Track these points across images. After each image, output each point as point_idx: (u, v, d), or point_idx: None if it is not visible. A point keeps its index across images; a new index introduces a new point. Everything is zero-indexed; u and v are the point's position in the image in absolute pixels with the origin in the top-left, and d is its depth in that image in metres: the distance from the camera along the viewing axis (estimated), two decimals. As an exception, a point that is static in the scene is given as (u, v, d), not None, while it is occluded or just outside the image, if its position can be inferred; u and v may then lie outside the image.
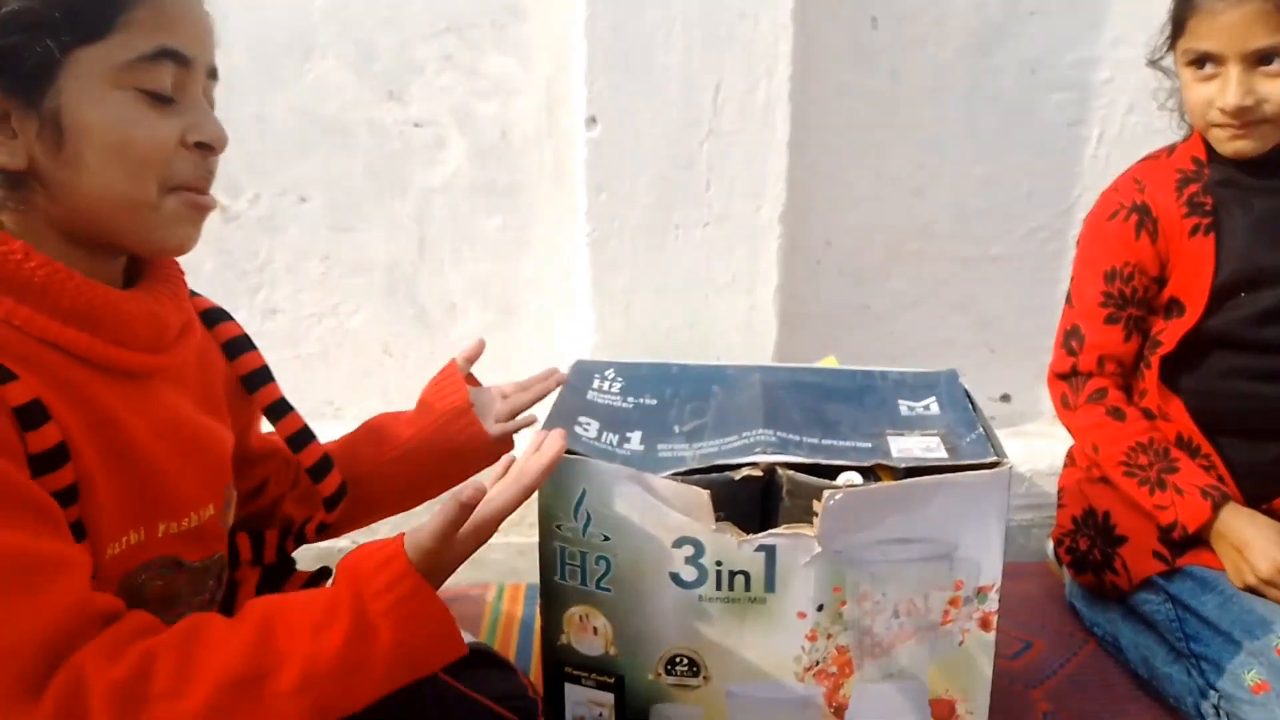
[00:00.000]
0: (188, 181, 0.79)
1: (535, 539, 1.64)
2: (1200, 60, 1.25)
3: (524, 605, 1.59)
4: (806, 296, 1.80)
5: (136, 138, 0.75)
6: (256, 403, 0.99)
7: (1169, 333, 1.32)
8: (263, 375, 0.99)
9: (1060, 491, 1.52)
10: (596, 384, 1.20)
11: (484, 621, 1.55)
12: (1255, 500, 1.29)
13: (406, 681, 0.77)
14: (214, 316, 0.97)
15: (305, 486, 1.04)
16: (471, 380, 1.20)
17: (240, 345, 0.97)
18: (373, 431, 1.11)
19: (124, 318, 0.78)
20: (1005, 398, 1.93)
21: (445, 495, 0.85)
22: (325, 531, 1.06)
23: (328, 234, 1.69)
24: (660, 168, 1.59)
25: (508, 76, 1.65)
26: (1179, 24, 1.29)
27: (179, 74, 0.76)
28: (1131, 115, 1.76)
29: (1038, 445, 1.80)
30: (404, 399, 1.79)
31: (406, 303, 1.75)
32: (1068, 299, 1.43)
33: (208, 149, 0.80)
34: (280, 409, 1.00)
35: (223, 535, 0.92)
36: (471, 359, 1.18)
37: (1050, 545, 1.66)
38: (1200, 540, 1.28)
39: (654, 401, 1.16)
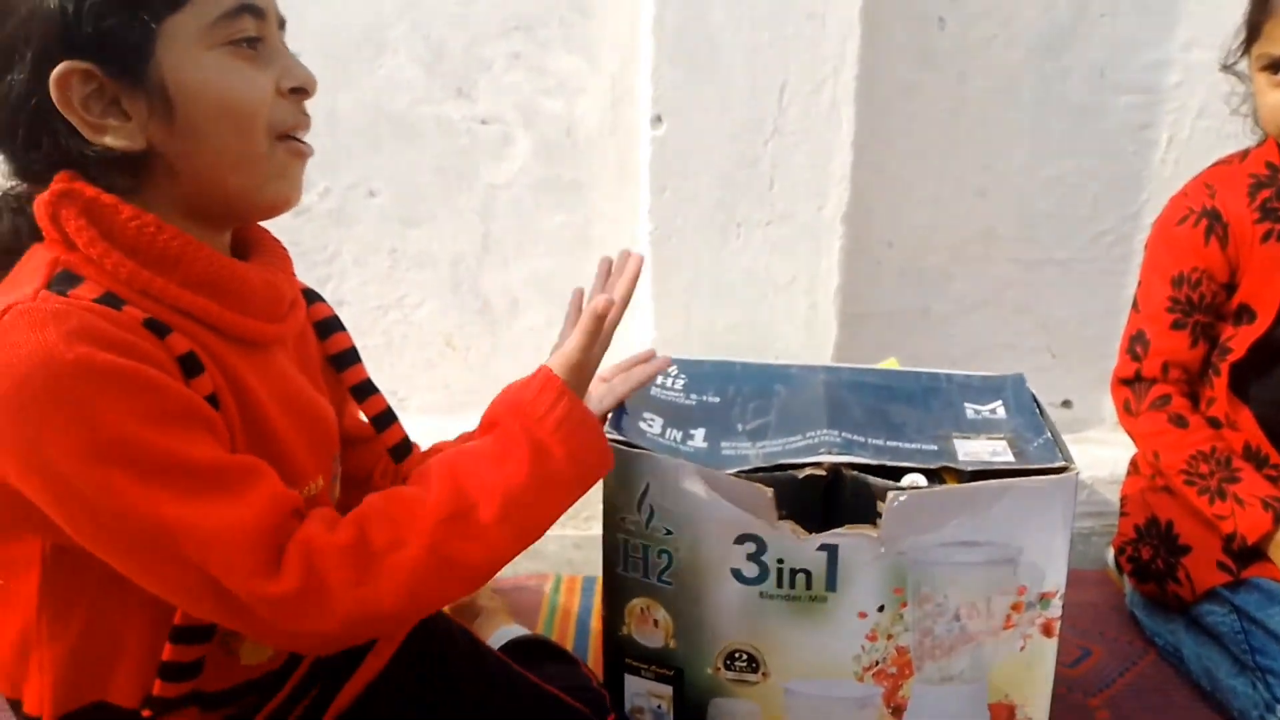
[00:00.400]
0: (289, 128, 0.82)
1: (592, 531, 1.66)
2: (1275, 65, 1.24)
3: (580, 597, 1.61)
4: (866, 297, 1.79)
5: (239, 91, 0.77)
6: (344, 382, 1.01)
7: (1238, 339, 1.30)
8: (351, 356, 1.01)
9: (1123, 499, 1.50)
10: (660, 380, 1.21)
11: (541, 613, 1.57)
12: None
13: (582, 493, 0.86)
14: (309, 296, 1.00)
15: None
16: None
17: (331, 325, 1.00)
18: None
19: (247, 287, 0.82)
20: (1066, 403, 1.91)
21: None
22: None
23: (395, 228, 1.73)
24: (724, 166, 1.59)
25: (574, 74, 1.67)
26: (1254, 28, 1.27)
27: (258, 26, 0.78)
28: (1202, 119, 1.73)
29: (1099, 452, 1.78)
30: (466, 392, 1.84)
31: (470, 296, 1.78)
32: (1134, 304, 1.41)
33: (301, 92, 0.82)
34: (366, 389, 1.02)
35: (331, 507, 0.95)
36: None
37: (1110, 553, 1.64)
38: (1254, 552, 1.26)
39: (717, 399, 1.17)
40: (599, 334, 0.90)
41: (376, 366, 1.78)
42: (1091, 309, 1.84)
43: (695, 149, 1.59)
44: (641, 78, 1.59)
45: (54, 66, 0.71)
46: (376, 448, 1.06)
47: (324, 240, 1.72)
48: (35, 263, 0.75)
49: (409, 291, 1.77)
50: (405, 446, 1.03)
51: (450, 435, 1.74)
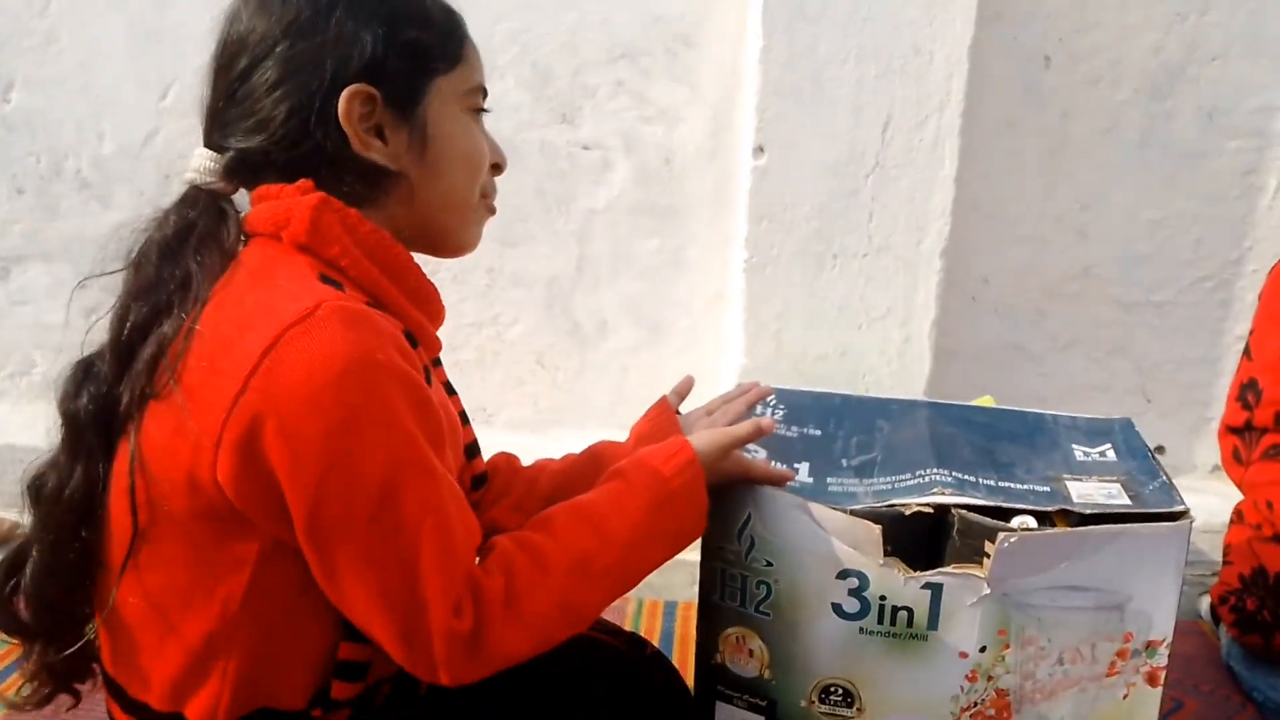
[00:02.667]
0: (487, 192, 0.93)
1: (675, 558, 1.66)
2: None
3: (662, 620, 1.62)
4: (960, 333, 1.78)
5: (477, 149, 0.90)
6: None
7: (1357, 393, 1.28)
8: (450, 387, 1.03)
9: (1227, 549, 1.47)
10: (760, 410, 1.21)
11: (623, 633, 1.58)
12: None
13: (675, 554, 0.91)
14: None
15: (517, 497, 1.10)
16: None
17: (449, 388, 1.03)
18: (595, 455, 1.15)
19: (438, 305, 0.91)
20: (1159, 449, 1.87)
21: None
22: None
23: (494, 247, 1.76)
24: (823, 197, 1.60)
25: (676, 103, 1.69)
26: None
27: (484, 102, 0.92)
28: (1314, 166, 1.70)
29: (1194, 500, 1.71)
30: (553, 410, 1.86)
31: (562, 317, 1.81)
32: (1246, 351, 1.39)
33: (498, 169, 0.94)
34: (464, 418, 1.04)
35: None
36: (682, 394, 1.20)
37: (1205, 603, 1.60)
38: None
39: (818, 432, 1.17)
40: (748, 443, 0.98)
41: (468, 382, 1.84)
42: (1189, 354, 1.81)
43: (795, 179, 1.60)
44: (744, 108, 1.61)
45: (348, 84, 0.80)
46: (512, 481, 1.11)
47: (422, 258, 1.76)
48: (290, 265, 0.79)
49: (503, 310, 1.81)
50: (483, 479, 1.07)
51: (535, 450, 1.79)
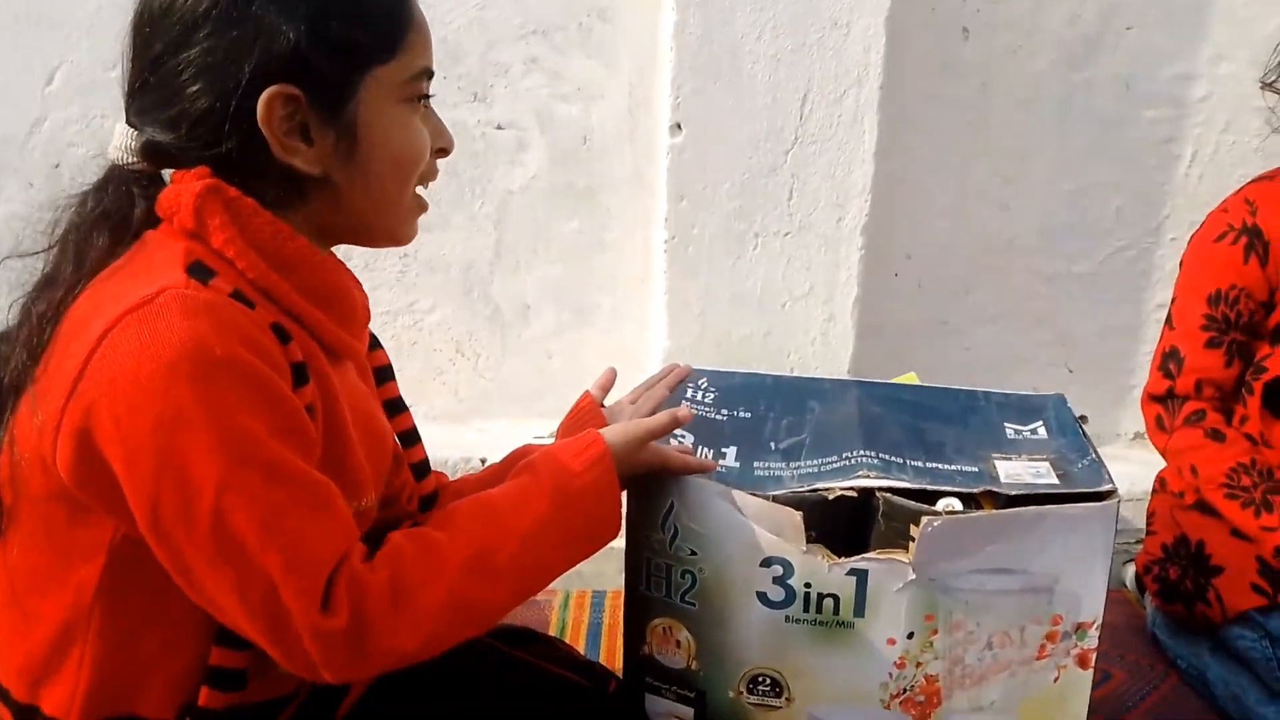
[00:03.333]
0: (425, 181, 0.88)
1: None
2: None
3: (590, 612, 1.58)
4: (883, 309, 1.77)
5: (414, 146, 0.84)
6: (379, 395, 1.00)
7: (1275, 359, 1.28)
8: (387, 372, 0.99)
9: (1150, 517, 1.47)
10: (690, 393, 1.19)
11: (550, 629, 1.55)
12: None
13: (588, 555, 0.88)
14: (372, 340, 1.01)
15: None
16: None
17: (373, 340, 0.99)
18: (518, 458, 1.12)
19: (350, 301, 0.86)
20: (1083, 419, 1.87)
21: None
22: None
23: (407, 232, 1.70)
24: (743, 175, 1.57)
25: (592, 80, 1.64)
26: None
27: (428, 87, 0.86)
28: (1228, 134, 1.71)
29: (1116, 469, 1.71)
30: (475, 398, 1.81)
31: (481, 302, 1.75)
32: (1168, 320, 1.38)
33: (444, 153, 0.89)
34: (398, 406, 1.00)
35: (369, 526, 0.93)
36: (605, 388, 1.17)
37: (1129, 572, 1.62)
38: None
39: (748, 415, 1.15)
40: (663, 435, 0.96)
41: (386, 373, 1.77)
42: (1110, 324, 1.82)
43: (714, 157, 1.56)
44: (661, 85, 1.57)
45: (269, 83, 0.75)
46: (405, 473, 1.05)
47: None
48: (167, 249, 0.76)
49: (419, 297, 1.75)
50: (425, 466, 1.01)
51: (458, 442, 1.74)
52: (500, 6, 1.60)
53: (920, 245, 1.77)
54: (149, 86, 0.78)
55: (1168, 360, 1.36)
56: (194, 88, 0.76)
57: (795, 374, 1.68)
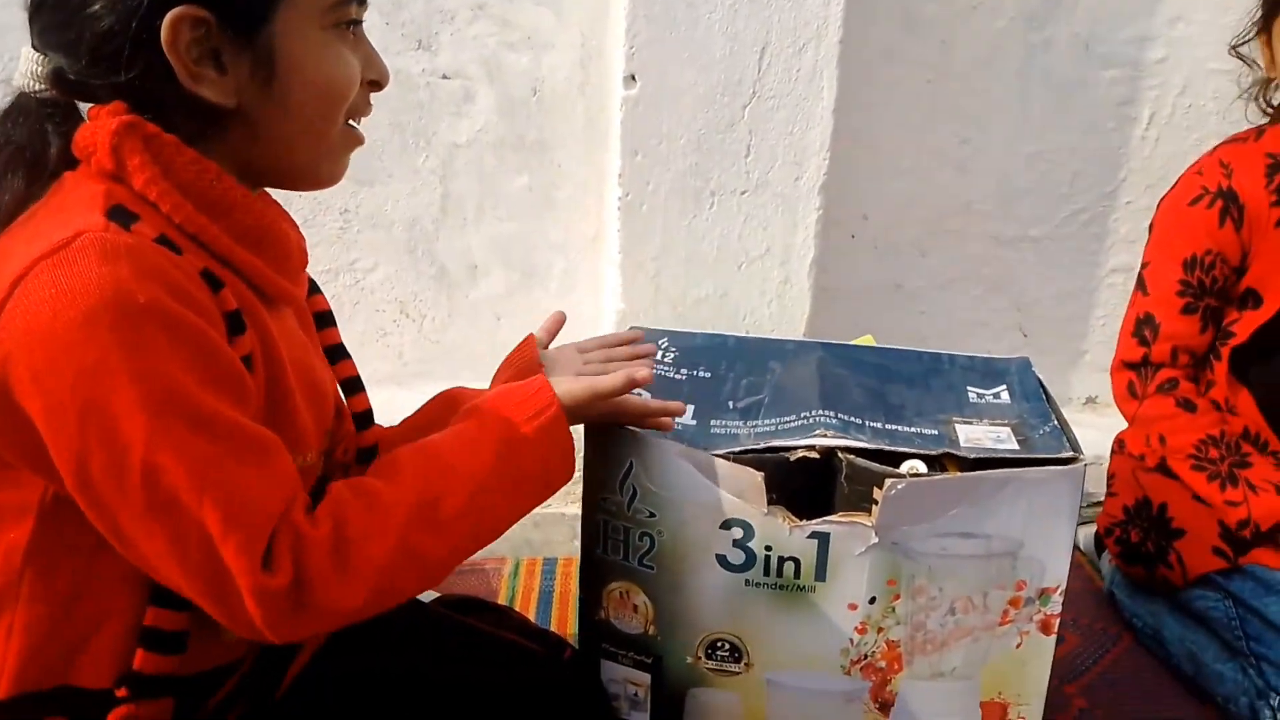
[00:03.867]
0: (358, 114, 0.83)
1: (552, 509, 1.59)
2: None
3: (540, 579, 1.54)
4: (839, 271, 1.74)
5: (340, 75, 0.78)
6: (320, 342, 0.95)
7: (1243, 324, 1.27)
8: (328, 317, 0.95)
9: (1110, 479, 1.46)
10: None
11: (500, 598, 1.51)
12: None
13: (543, 499, 0.84)
14: (310, 285, 0.96)
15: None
16: None
17: (326, 318, 0.94)
18: (447, 399, 1.08)
19: (286, 245, 0.80)
20: (1037, 383, 1.88)
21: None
22: None
23: (348, 187, 1.62)
24: (699, 131, 1.52)
25: (542, 29, 1.58)
26: (1274, 3, 1.23)
27: (359, 11, 0.80)
28: (1184, 97, 1.70)
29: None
30: (420, 361, 1.75)
31: (426, 261, 1.69)
32: (1139, 285, 1.36)
33: (377, 85, 0.83)
34: (339, 352, 0.95)
35: (313, 481, 0.89)
36: (552, 331, 1.14)
37: (1082, 534, 1.61)
38: (1265, 538, 1.23)
39: (708, 375, 1.12)
40: (619, 394, 0.90)
41: (326, 334, 1.71)
42: (1065, 287, 1.82)
43: (670, 111, 1.51)
44: (614, 34, 1.51)
45: (175, 3, 0.69)
46: (347, 424, 0.99)
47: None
48: (85, 191, 0.71)
49: (361, 255, 1.68)
50: (369, 416, 0.97)
51: (402, 407, 1.68)
52: (446, -50, 1.53)
53: (877, 206, 1.74)
54: (48, 3, 0.72)
55: (1142, 326, 1.33)
56: (93, 7, 0.70)
57: (776, 336, 1.65)
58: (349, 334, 1.70)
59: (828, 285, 1.69)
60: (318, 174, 0.83)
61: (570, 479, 0.86)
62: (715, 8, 1.46)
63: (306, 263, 0.86)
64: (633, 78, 1.50)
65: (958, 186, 1.73)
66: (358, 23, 0.80)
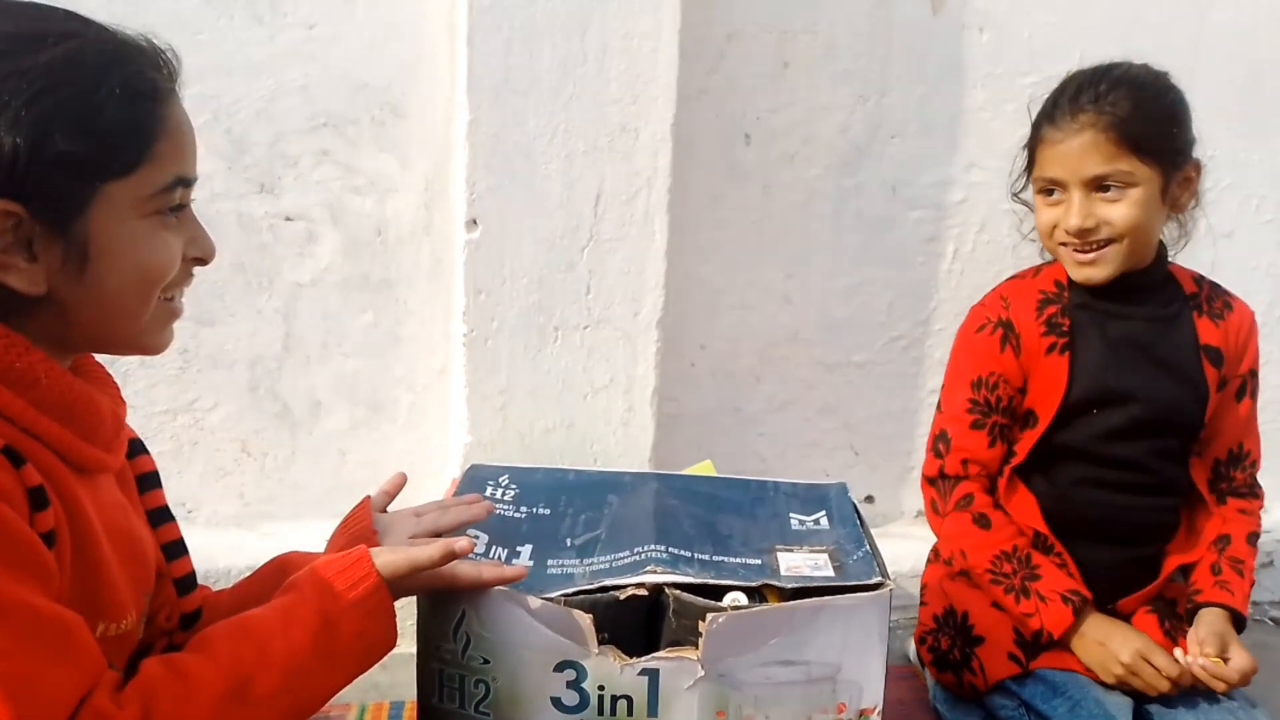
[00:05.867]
0: (174, 288, 0.83)
1: (400, 651, 1.57)
2: (1048, 188, 1.36)
3: (387, 722, 1.52)
4: (681, 399, 1.82)
5: (157, 261, 0.79)
6: (142, 505, 0.94)
7: (1022, 442, 1.40)
8: (152, 479, 0.94)
9: (923, 588, 1.55)
10: (490, 491, 1.18)
11: (345, 741, 1.47)
12: (1102, 599, 1.37)
13: (363, 671, 0.85)
14: (134, 446, 0.94)
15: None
16: None
17: (135, 446, 0.93)
18: (277, 565, 1.07)
19: (97, 415, 0.80)
20: (869, 499, 1.98)
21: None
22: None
23: (188, 326, 1.62)
24: (541, 271, 1.59)
25: (385, 174, 1.63)
26: (1031, 155, 1.39)
27: (184, 195, 0.81)
28: (983, 234, 1.87)
29: (901, 546, 1.85)
30: (262, 501, 1.73)
31: (269, 399, 1.68)
32: (939, 406, 1.48)
33: (202, 262, 0.85)
34: (163, 515, 0.94)
35: (133, 647, 0.88)
36: (391, 492, 1.14)
37: (912, 645, 1.69)
38: (1057, 643, 1.33)
39: (547, 511, 1.15)
40: (438, 566, 0.91)
41: (164, 475, 1.64)
42: (889, 408, 1.94)
43: (512, 253, 1.58)
44: (456, 181, 1.58)
45: None
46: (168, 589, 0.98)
47: (107, 339, 1.59)
48: None
49: (201, 394, 1.66)
50: (191, 580, 0.96)
51: (244, 547, 1.64)
52: (289, 98, 1.58)
53: (713, 337, 1.83)
54: None
55: (938, 442, 1.46)
56: None
57: (599, 464, 1.69)
58: (188, 475, 1.70)
59: (671, 412, 1.77)
60: (139, 346, 0.83)
61: (392, 648, 0.87)
62: (551, 159, 1.55)
63: (120, 428, 0.85)
64: (474, 222, 1.56)
65: (785, 317, 1.85)
66: (182, 207, 0.81)
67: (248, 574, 1.50)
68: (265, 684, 0.77)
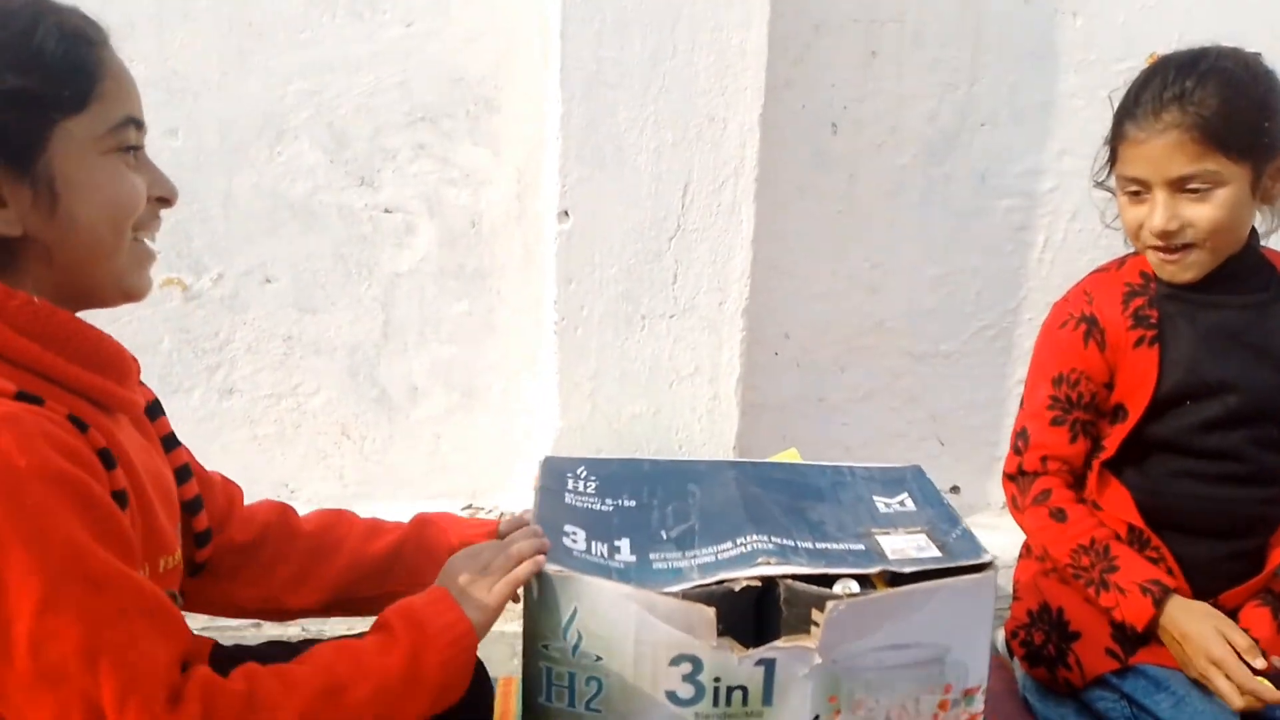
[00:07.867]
0: (146, 229, 0.87)
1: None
2: (1132, 185, 1.32)
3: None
4: (765, 388, 1.83)
5: (123, 195, 0.82)
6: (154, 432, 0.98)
7: (1111, 437, 1.38)
8: (156, 408, 0.97)
9: (1016, 584, 1.55)
10: (571, 484, 1.18)
11: None
12: (1204, 594, 1.35)
13: (442, 708, 0.91)
14: (155, 408, 0.99)
15: (297, 566, 1.07)
16: None
17: (153, 410, 0.97)
18: (422, 525, 1.16)
19: (119, 358, 0.85)
20: (955, 489, 1.98)
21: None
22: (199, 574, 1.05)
23: (291, 314, 1.67)
24: (629, 260, 1.61)
25: (479, 166, 1.67)
26: (1112, 152, 1.36)
27: (138, 136, 0.84)
28: (1075, 222, 1.85)
29: (986, 538, 1.82)
30: (360, 483, 1.78)
31: (368, 384, 1.73)
32: (1021, 402, 1.48)
33: (165, 202, 0.88)
34: (171, 441, 0.98)
35: (176, 583, 0.93)
36: (515, 526, 1.16)
37: (1001, 636, 1.69)
38: (1145, 638, 1.32)
39: (632, 503, 1.16)
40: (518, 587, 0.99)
41: (267, 457, 1.73)
42: (976, 399, 1.93)
43: (601, 243, 1.60)
44: (548, 173, 1.60)
45: None
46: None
47: (215, 326, 1.65)
48: None
49: (304, 379, 1.71)
50: (198, 503, 0.99)
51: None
52: (387, 93, 1.62)
53: (797, 326, 1.84)
54: None
55: (1018, 439, 1.45)
56: None
57: (683, 451, 1.71)
58: (290, 457, 1.75)
59: (754, 400, 1.78)
60: (123, 285, 0.86)
61: (466, 688, 0.94)
62: (641, 150, 1.57)
63: (138, 370, 0.90)
64: (566, 213, 1.59)
65: (870, 307, 1.85)
66: (137, 148, 0.84)
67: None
68: (357, 695, 0.83)
